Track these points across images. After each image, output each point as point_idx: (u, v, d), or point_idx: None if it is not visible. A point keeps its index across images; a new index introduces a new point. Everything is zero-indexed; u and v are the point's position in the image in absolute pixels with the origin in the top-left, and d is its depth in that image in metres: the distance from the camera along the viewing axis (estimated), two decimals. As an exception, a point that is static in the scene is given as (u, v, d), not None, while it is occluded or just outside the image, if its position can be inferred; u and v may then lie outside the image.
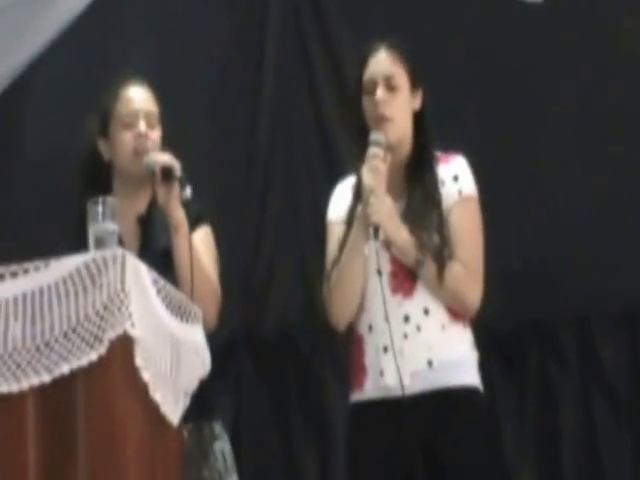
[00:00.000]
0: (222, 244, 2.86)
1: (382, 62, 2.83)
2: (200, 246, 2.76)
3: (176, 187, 2.67)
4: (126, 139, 2.79)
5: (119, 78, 2.89)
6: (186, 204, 2.73)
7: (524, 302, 3.68)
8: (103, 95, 2.87)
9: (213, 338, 2.55)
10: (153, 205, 2.81)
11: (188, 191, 2.68)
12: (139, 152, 2.75)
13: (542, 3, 3.69)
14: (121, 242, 2.73)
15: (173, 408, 2.26)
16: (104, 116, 2.83)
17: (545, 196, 3.75)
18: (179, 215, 2.68)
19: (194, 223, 2.78)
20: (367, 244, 2.73)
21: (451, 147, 2.87)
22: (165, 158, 2.72)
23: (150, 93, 2.86)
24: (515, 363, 3.74)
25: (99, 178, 2.82)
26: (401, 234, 2.73)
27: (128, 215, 2.81)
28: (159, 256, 2.74)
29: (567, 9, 3.75)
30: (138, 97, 2.83)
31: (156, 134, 2.82)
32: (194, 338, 2.35)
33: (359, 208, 2.75)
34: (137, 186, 2.81)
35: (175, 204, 2.68)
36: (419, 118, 2.86)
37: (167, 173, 2.68)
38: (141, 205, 2.84)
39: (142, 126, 2.78)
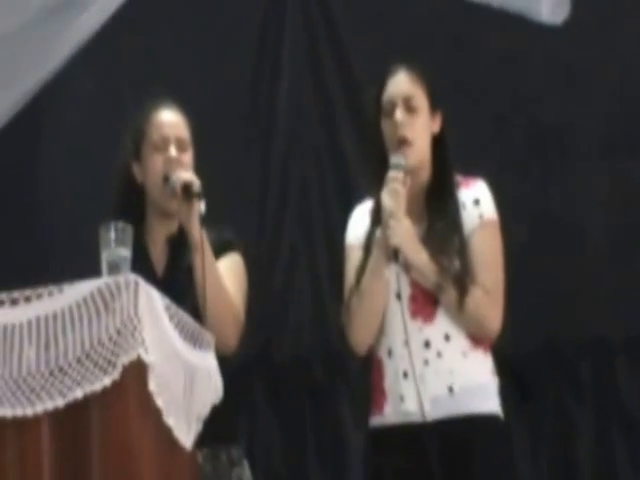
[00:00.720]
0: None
1: (401, 83, 2.83)
2: (225, 272, 2.76)
3: (196, 205, 2.68)
4: (156, 163, 2.81)
5: (152, 100, 2.91)
6: (219, 233, 2.75)
7: (539, 328, 3.66)
8: (136, 118, 2.89)
9: (227, 363, 2.56)
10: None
11: (202, 206, 2.69)
12: (168, 178, 2.76)
13: (561, 24, 3.69)
14: (150, 261, 2.81)
15: (186, 433, 2.26)
16: (137, 140, 2.86)
17: (560, 220, 3.74)
18: (198, 233, 2.69)
19: (223, 249, 2.79)
20: (388, 267, 2.72)
21: (471, 171, 2.87)
22: (186, 176, 2.74)
23: (181, 117, 2.88)
24: (530, 390, 3.72)
25: (133, 200, 2.86)
26: (421, 257, 2.72)
27: (159, 236, 2.86)
28: (185, 274, 2.76)
29: (587, 33, 3.75)
30: (169, 122, 2.85)
31: (187, 157, 2.83)
32: (207, 364, 2.35)
33: (378, 231, 2.75)
34: (168, 209, 2.82)
35: (194, 222, 2.69)
36: (438, 141, 2.85)
37: (187, 190, 2.70)
38: (173, 227, 2.86)
39: (172, 151, 2.80)
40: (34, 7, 3.71)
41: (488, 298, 2.72)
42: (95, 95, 3.96)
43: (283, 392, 3.87)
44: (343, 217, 2.95)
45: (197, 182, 2.71)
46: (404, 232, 2.70)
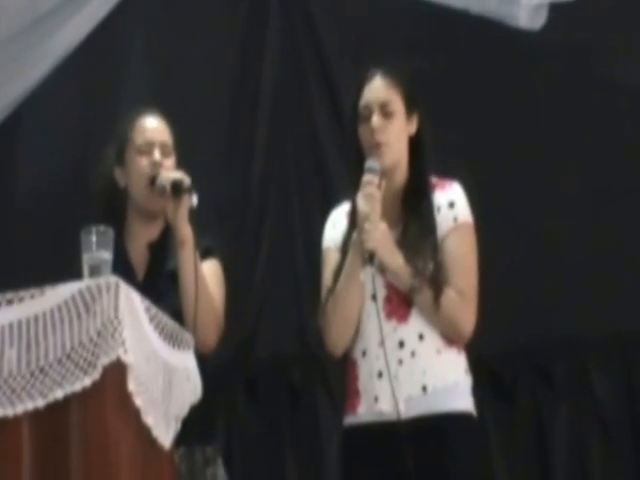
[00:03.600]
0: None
1: (377, 89, 2.86)
2: (207, 276, 2.81)
3: (185, 202, 2.74)
4: (141, 165, 2.87)
5: (136, 108, 2.98)
6: (199, 240, 2.78)
7: (514, 329, 3.70)
8: (120, 125, 2.95)
9: (206, 363, 2.60)
10: (166, 232, 2.88)
11: (194, 199, 2.74)
12: (153, 180, 2.82)
13: (537, 32, 3.74)
14: (130, 266, 2.86)
15: (164, 432, 2.30)
16: (120, 145, 2.92)
17: (535, 220, 3.78)
18: (186, 230, 2.74)
19: (203, 255, 2.84)
20: (363, 270, 2.75)
21: (447, 173, 2.90)
22: (176, 175, 2.80)
23: (165, 123, 2.94)
24: (505, 389, 3.76)
25: (115, 206, 2.90)
26: (396, 260, 2.75)
27: (140, 241, 2.90)
28: (165, 279, 2.81)
29: (561, 40, 3.81)
30: (153, 127, 2.92)
31: (170, 162, 2.89)
32: (186, 364, 2.39)
33: (354, 235, 2.77)
34: (151, 213, 2.88)
35: (183, 219, 2.74)
36: (415, 143, 2.89)
37: (177, 187, 2.76)
38: (154, 232, 2.91)
39: (157, 155, 2.86)
40: (18, 18, 3.75)
41: (462, 300, 2.75)
42: (75, 97, 4.00)
43: (261, 392, 3.89)
44: (323, 220, 2.98)
45: (187, 179, 2.77)
46: (379, 236, 2.73)
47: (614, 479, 3.66)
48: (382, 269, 2.77)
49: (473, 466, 2.73)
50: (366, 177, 2.76)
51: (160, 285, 2.80)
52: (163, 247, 2.87)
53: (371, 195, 2.73)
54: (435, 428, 2.69)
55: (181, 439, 2.41)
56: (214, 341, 2.80)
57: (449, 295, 2.74)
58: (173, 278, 2.77)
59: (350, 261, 2.76)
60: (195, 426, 2.48)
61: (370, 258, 2.71)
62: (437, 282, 2.75)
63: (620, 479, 3.66)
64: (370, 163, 2.78)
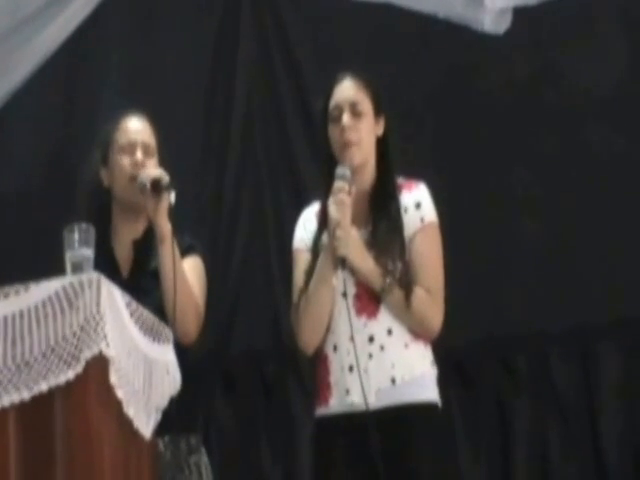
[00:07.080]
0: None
1: (347, 89, 2.93)
2: (188, 272, 2.88)
3: (165, 199, 2.80)
4: (124, 164, 2.93)
5: (115, 110, 3.05)
6: (180, 237, 2.85)
7: (479, 323, 3.79)
8: (104, 127, 3.02)
9: (186, 357, 2.68)
10: (150, 231, 2.93)
11: (172, 196, 2.81)
12: (135, 179, 2.88)
13: (502, 35, 3.83)
14: (116, 264, 2.92)
15: (145, 423, 2.37)
16: (105, 146, 2.98)
17: (498, 218, 3.87)
18: (165, 226, 2.80)
19: (185, 252, 2.91)
20: (335, 274, 2.81)
21: (413, 173, 2.97)
22: (156, 172, 2.87)
23: (148, 125, 3.00)
24: (470, 380, 3.84)
25: (100, 205, 2.97)
26: (367, 264, 2.82)
27: (125, 239, 2.97)
28: (149, 276, 2.88)
29: (525, 43, 3.91)
30: (136, 128, 2.98)
31: (152, 162, 2.95)
32: (165, 358, 2.46)
33: (324, 236, 2.85)
34: (134, 211, 2.94)
35: (162, 215, 2.80)
36: (382, 144, 2.96)
37: (156, 184, 2.82)
38: (138, 230, 2.97)
39: (139, 155, 2.93)
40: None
41: (430, 299, 2.83)
42: (55, 98, 4.05)
43: (237, 385, 3.96)
44: (295, 219, 3.05)
45: (166, 177, 2.83)
46: (351, 242, 2.79)
47: (572, 464, 3.74)
48: (353, 271, 2.83)
49: (438, 452, 2.81)
50: (337, 184, 2.81)
51: (143, 282, 2.87)
52: (147, 245, 2.93)
53: (342, 202, 2.79)
54: (402, 417, 2.77)
55: (164, 428, 2.48)
56: (194, 332, 2.86)
57: (418, 294, 2.82)
58: (156, 276, 2.83)
59: (321, 265, 2.83)
60: (177, 416, 2.55)
61: (342, 263, 2.78)
62: (407, 282, 2.82)
63: (578, 464, 3.74)
64: (341, 170, 2.83)
